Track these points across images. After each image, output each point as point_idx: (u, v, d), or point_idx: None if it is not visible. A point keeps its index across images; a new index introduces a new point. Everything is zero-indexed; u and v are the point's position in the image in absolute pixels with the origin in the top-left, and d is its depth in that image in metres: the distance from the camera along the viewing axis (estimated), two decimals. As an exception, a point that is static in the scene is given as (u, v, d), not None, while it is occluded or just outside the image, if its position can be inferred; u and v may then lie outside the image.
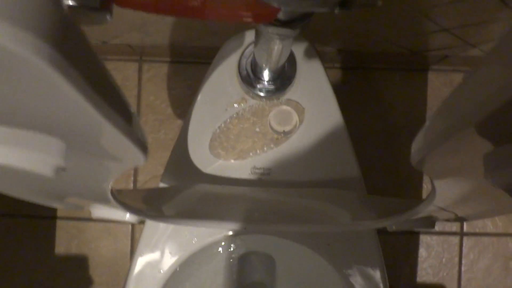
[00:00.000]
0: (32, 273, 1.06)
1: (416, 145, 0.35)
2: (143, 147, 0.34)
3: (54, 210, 1.07)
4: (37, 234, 1.07)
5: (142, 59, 1.06)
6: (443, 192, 0.41)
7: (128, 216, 0.59)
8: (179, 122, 1.04)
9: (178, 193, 0.68)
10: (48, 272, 1.07)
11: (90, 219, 1.05)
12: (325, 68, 0.70)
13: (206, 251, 0.70)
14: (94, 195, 0.48)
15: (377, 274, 0.67)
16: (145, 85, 1.06)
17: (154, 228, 0.68)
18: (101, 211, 0.58)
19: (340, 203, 0.67)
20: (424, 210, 0.46)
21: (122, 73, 1.06)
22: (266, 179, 0.70)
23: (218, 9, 0.37)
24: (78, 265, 1.07)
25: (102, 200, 0.49)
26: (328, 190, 0.69)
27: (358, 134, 1.02)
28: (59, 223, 1.08)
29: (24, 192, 0.44)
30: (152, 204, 0.64)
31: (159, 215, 0.61)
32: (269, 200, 0.68)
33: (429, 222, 0.56)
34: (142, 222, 0.68)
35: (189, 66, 1.05)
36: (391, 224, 0.58)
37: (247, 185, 0.69)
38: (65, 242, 1.08)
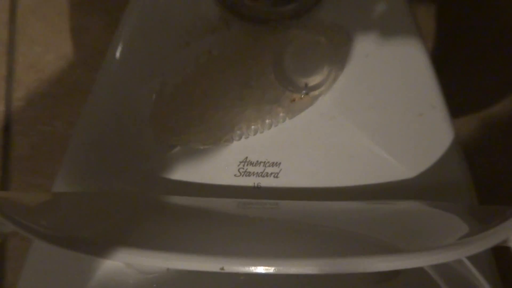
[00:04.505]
0: None
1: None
2: None
3: None
4: None
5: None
6: None
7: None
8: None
9: (92, 204, 0.41)
10: None
11: None
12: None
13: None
14: None
15: None
16: (24, 21, 0.68)
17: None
18: None
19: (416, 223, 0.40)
20: None
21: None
22: (270, 186, 0.42)
23: None
24: None
25: None
26: (401, 206, 0.41)
27: (472, 115, 0.68)
28: None
29: None
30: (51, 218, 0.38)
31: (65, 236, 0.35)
32: (272, 220, 0.41)
33: None
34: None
35: None
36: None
37: (232, 196, 0.43)
38: None
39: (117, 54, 0.42)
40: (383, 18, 0.41)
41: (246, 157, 0.42)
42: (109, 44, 0.43)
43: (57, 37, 0.66)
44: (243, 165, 0.42)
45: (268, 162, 0.42)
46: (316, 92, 0.41)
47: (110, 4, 0.67)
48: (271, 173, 0.42)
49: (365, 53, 0.40)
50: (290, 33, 0.40)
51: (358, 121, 0.41)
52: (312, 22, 0.41)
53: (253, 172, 0.42)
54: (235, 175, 0.42)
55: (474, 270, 0.38)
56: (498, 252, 0.37)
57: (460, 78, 0.70)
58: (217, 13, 0.41)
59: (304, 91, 0.41)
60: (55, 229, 0.35)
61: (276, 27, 0.40)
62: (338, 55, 0.40)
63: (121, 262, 0.39)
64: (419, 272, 0.39)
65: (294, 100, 0.41)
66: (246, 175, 0.42)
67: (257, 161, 0.42)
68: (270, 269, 0.34)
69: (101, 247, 0.33)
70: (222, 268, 0.33)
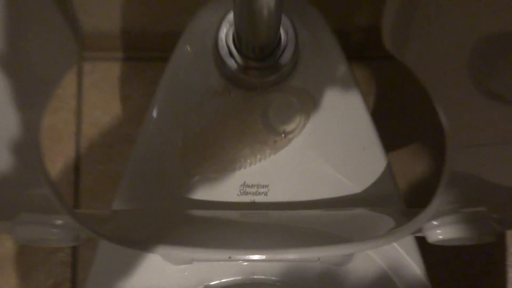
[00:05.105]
0: None
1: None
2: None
3: None
4: None
5: (82, 56, 0.82)
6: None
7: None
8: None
9: (140, 216, 0.53)
10: None
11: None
12: (350, 59, 0.54)
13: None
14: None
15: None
16: (88, 93, 0.81)
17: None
18: (30, 230, 0.39)
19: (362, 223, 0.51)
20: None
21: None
22: (261, 201, 0.52)
23: None
24: None
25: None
26: (351, 212, 0.52)
27: (402, 148, 0.80)
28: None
29: None
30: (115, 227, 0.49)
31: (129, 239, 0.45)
32: (264, 224, 0.52)
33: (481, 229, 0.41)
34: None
35: (151, 64, 0.80)
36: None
37: (235, 209, 0.52)
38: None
39: (153, 114, 0.52)
40: (336, 85, 0.51)
41: (245, 182, 0.51)
42: (147, 107, 0.53)
43: (110, 103, 0.79)
44: (243, 187, 0.51)
45: (260, 184, 0.51)
46: (291, 135, 0.51)
47: (147, 79, 0.80)
48: (262, 192, 0.51)
49: (324, 108, 0.51)
50: (272, 96, 0.51)
51: (321, 154, 0.51)
52: (287, 88, 0.51)
53: (250, 192, 0.51)
54: (237, 194, 0.51)
55: (403, 252, 0.49)
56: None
57: (393, 122, 0.83)
58: (222, 84, 0.51)
59: (283, 135, 0.51)
60: (115, 233, 0.45)
61: (262, 91, 0.51)
62: (306, 110, 0.51)
63: (159, 254, 0.48)
64: (366, 257, 0.50)
65: (276, 141, 0.51)
66: (244, 194, 0.51)
67: (252, 184, 0.51)
68: (263, 257, 0.46)
69: (146, 244, 0.44)
70: (230, 257, 0.44)
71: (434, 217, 0.40)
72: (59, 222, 0.39)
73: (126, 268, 0.51)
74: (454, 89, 0.29)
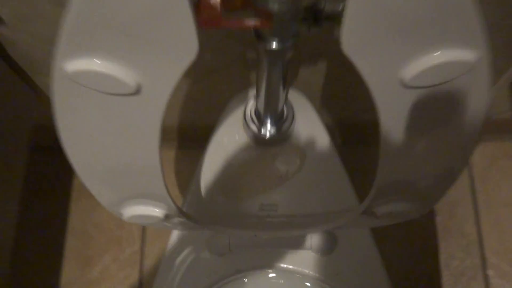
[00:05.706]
0: None
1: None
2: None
3: None
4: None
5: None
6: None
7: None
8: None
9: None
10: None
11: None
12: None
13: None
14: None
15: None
16: None
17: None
18: (136, 208, 0.56)
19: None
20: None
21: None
22: (273, 214, 0.74)
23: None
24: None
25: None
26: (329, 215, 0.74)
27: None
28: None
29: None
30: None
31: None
32: (275, 223, 0.73)
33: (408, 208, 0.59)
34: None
35: (195, 151, 0.98)
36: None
37: (257, 218, 0.74)
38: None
39: (203, 166, 0.75)
40: (319, 144, 0.75)
41: (262, 203, 0.72)
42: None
43: (168, 177, 1.08)
44: (261, 206, 0.72)
45: (272, 204, 0.72)
46: (291, 174, 0.74)
47: (193, 158, 0.98)
48: (274, 209, 0.72)
49: (311, 158, 0.74)
50: (279, 149, 0.74)
51: (310, 186, 0.74)
52: (288, 145, 0.74)
53: (265, 209, 0.71)
54: (257, 210, 0.72)
55: (365, 246, 0.73)
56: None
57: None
58: (247, 142, 0.74)
59: (286, 173, 0.74)
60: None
61: (273, 147, 0.74)
62: (300, 158, 0.74)
63: (216, 232, 0.70)
64: (346, 249, 0.71)
65: (281, 177, 0.74)
66: (262, 210, 0.71)
67: (267, 204, 0.72)
68: (276, 234, 0.68)
69: (208, 224, 0.66)
70: (255, 235, 0.67)
71: (375, 202, 0.55)
72: (156, 203, 0.54)
73: (184, 264, 0.74)
74: (386, 86, 0.36)
